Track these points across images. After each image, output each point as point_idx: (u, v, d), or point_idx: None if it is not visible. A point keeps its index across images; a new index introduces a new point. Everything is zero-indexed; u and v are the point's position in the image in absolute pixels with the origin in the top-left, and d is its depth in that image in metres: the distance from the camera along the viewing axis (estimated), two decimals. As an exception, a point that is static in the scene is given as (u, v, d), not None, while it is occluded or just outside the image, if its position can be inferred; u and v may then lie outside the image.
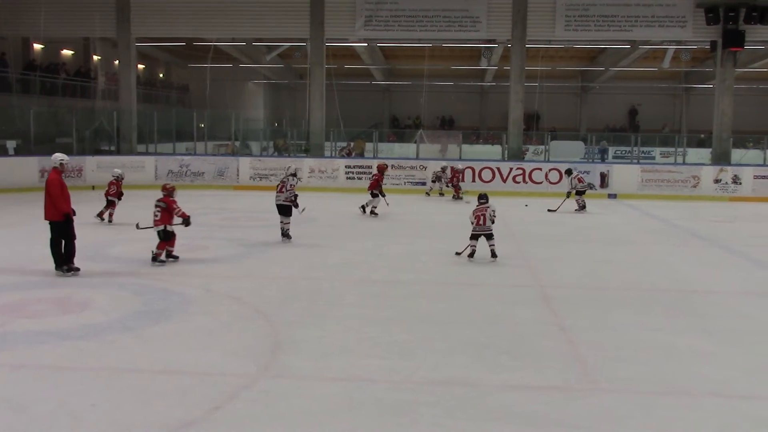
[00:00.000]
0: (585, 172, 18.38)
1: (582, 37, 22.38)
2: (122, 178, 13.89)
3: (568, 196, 16.88)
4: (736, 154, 23.43)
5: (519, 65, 21.99)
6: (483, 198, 10.64)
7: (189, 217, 10.14)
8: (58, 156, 9.31)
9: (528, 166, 21.28)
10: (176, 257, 10.08)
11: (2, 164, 18.97)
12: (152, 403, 5.08)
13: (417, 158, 22.42)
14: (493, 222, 10.41)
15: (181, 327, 6.97)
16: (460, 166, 20.36)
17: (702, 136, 29.47)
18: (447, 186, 19.76)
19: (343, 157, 23.72)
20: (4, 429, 4.65)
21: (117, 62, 24.74)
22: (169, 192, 10.12)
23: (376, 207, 15.40)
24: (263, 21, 22.47)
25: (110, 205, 13.61)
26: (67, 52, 29.95)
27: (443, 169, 20.02)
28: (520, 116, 22.37)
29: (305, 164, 21.32)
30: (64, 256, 9.02)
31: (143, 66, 34.49)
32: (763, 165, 21.94)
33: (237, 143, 26.95)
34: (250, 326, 7.09)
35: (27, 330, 6.70)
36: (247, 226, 13.88)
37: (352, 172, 21.24)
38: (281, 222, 12.05)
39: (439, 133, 31.33)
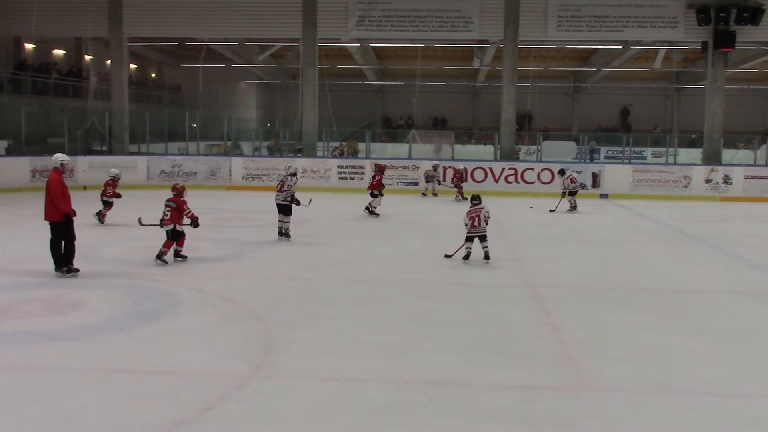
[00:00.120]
0: (577, 171, 18.45)
1: (574, 37, 22.46)
2: (119, 179, 13.81)
3: (563, 196, 16.96)
4: (727, 154, 23.52)
5: (511, 65, 22.05)
6: (476, 199, 10.63)
7: (198, 218, 10.12)
8: (60, 156, 9.24)
9: (520, 166, 21.32)
10: (185, 257, 10.02)
11: (-7, 164, 18.85)
12: (144, 404, 5.07)
13: (409, 158, 22.42)
14: (487, 223, 10.43)
15: (172, 327, 6.96)
16: (461, 166, 20.33)
17: (693, 136, 29.56)
18: (451, 186, 19.62)
19: (335, 157, 23.69)
20: (-6, 430, 4.63)
21: (109, 62, 24.65)
22: (179, 192, 10.06)
23: (376, 207, 15.43)
24: (256, 21, 22.43)
25: (108, 205, 13.50)
26: (58, 52, 29.81)
27: (434, 168, 20.01)
28: (512, 116, 22.40)
29: (297, 164, 21.22)
30: (63, 257, 8.96)
31: (135, 66, 34.37)
32: (754, 165, 22.06)
33: (229, 143, 26.89)
34: (242, 326, 7.07)
35: (17, 330, 6.67)
36: (239, 226, 13.85)
37: (345, 172, 21.23)
38: (281, 221, 12.02)
39: (431, 133, 31.33)
